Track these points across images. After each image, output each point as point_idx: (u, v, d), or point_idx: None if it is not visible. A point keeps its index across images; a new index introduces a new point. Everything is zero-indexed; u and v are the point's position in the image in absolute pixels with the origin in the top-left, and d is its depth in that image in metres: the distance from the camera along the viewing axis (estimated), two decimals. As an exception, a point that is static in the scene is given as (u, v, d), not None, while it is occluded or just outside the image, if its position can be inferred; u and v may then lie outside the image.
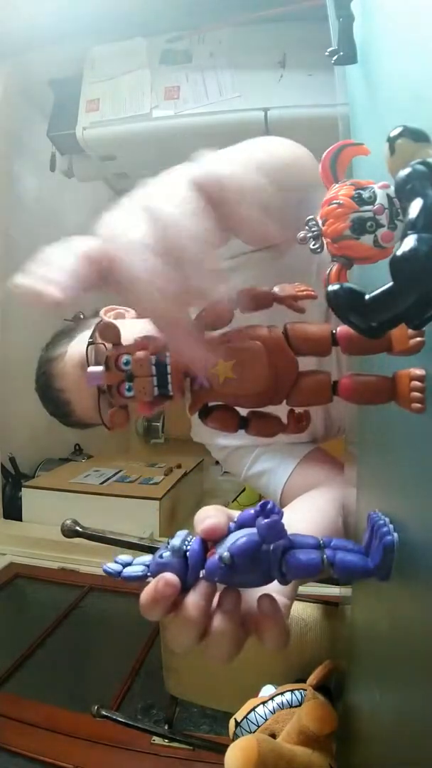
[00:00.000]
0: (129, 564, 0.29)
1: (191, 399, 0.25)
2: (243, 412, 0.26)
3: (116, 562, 0.30)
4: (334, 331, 0.24)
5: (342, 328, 0.23)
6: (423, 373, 0.21)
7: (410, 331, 0.21)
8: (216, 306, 0.24)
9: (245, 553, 0.25)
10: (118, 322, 0.91)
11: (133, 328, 0.79)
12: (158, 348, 0.24)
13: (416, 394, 0.21)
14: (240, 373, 0.24)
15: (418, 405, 0.21)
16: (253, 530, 0.27)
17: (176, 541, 0.28)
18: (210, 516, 0.29)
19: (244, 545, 0.26)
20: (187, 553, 0.28)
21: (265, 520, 0.26)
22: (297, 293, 0.25)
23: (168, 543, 0.29)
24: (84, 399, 0.77)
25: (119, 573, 0.29)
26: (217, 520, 0.28)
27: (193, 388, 0.24)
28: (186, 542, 0.28)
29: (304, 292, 0.25)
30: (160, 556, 0.28)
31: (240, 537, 0.27)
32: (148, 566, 0.29)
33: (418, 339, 0.21)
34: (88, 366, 0.72)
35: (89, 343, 0.75)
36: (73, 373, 0.77)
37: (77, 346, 0.77)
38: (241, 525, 0.28)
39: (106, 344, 0.80)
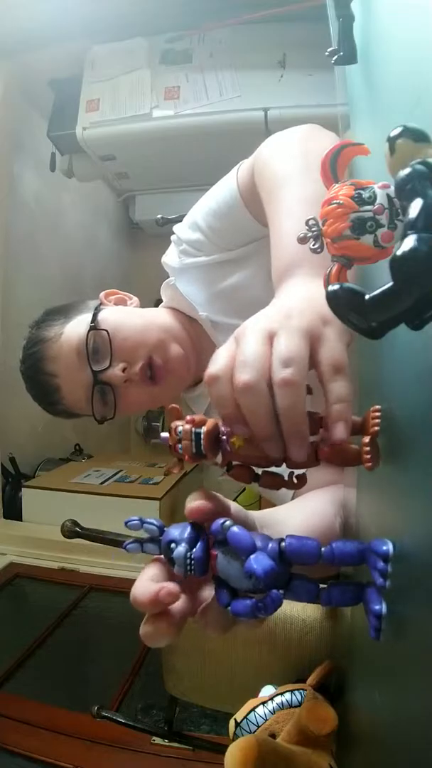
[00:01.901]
0: (141, 523, 0.33)
1: (221, 458, 0.33)
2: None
3: (128, 523, 0.33)
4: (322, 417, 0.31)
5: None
6: (368, 440, 0.29)
7: (372, 420, 0.29)
8: None
9: (247, 613, 0.29)
10: (119, 308, 0.88)
11: (135, 315, 0.77)
12: (199, 423, 0.32)
13: (366, 456, 0.28)
14: (248, 443, 0.32)
15: (368, 463, 0.28)
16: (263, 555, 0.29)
17: (180, 551, 0.31)
18: (196, 499, 0.32)
19: (247, 611, 0.29)
20: (192, 567, 0.30)
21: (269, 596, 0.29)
22: None
23: (176, 536, 0.32)
24: (76, 388, 0.71)
25: (141, 549, 0.33)
26: (202, 503, 0.32)
27: (222, 451, 0.33)
28: (188, 557, 0.30)
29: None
30: (169, 547, 0.31)
31: (243, 600, 0.30)
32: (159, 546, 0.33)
33: (375, 428, 0.29)
34: (87, 353, 0.70)
35: (90, 328, 0.70)
36: (68, 358, 0.71)
37: (75, 329, 0.71)
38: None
39: (108, 331, 0.78)
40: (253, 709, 0.55)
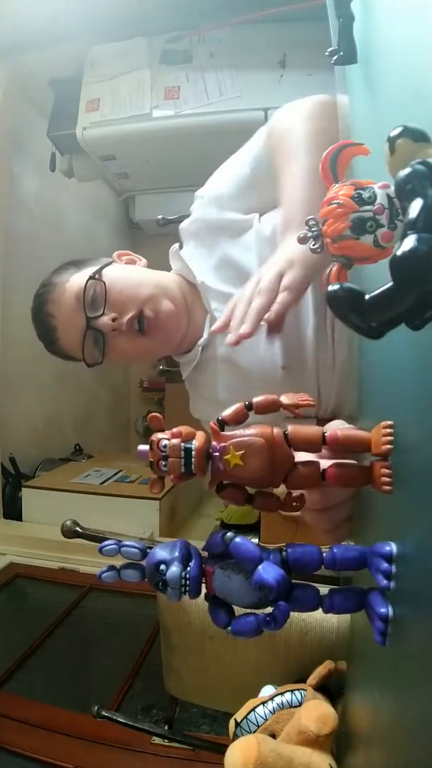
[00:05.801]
0: (119, 548, 0.31)
1: (210, 477, 0.30)
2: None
3: (102, 549, 0.31)
4: (325, 433, 0.29)
5: (330, 433, 0.29)
6: (389, 464, 0.26)
7: (383, 438, 0.26)
8: (236, 411, 0.31)
9: (252, 630, 0.29)
10: (125, 266, 0.97)
11: (136, 272, 0.83)
12: (188, 437, 0.29)
13: (386, 479, 0.26)
14: (246, 461, 0.29)
15: (388, 487, 0.26)
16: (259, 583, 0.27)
17: (175, 571, 0.29)
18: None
19: (252, 628, 0.29)
20: (187, 588, 0.29)
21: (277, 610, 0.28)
22: (299, 402, 0.30)
23: (165, 556, 0.30)
24: (70, 330, 0.78)
25: (118, 577, 0.31)
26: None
27: (213, 469, 0.29)
28: (184, 577, 0.29)
29: (305, 402, 0.30)
30: (158, 570, 0.29)
31: (244, 618, 0.29)
32: (142, 570, 0.30)
33: (388, 446, 0.26)
34: (84, 300, 0.76)
35: (90, 278, 0.76)
36: (67, 303, 0.77)
37: (79, 278, 0.78)
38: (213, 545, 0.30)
39: (105, 283, 0.84)
40: (253, 709, 0.55)
